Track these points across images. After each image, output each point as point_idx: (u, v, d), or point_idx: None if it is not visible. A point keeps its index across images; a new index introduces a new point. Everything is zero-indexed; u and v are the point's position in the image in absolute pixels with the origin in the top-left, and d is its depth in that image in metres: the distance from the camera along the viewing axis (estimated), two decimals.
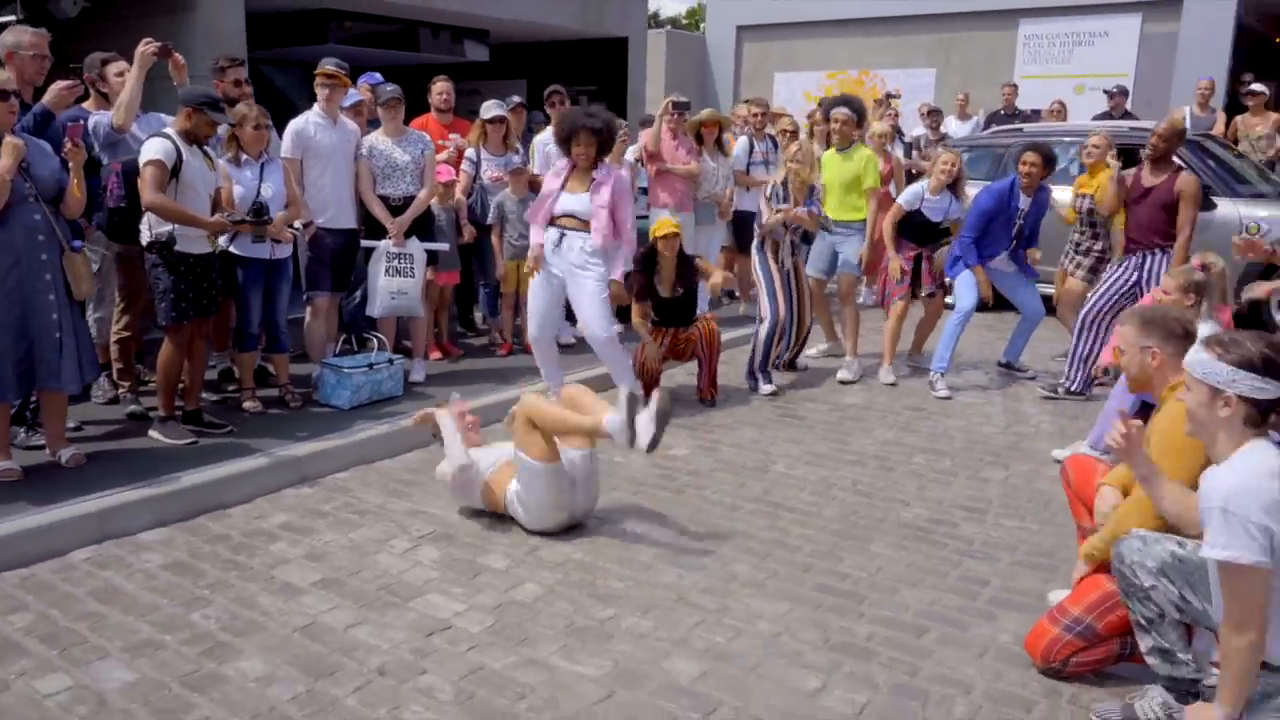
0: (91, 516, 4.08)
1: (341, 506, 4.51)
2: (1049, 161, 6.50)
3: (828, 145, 7.47)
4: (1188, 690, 2.74)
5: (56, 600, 3.57)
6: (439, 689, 3.02)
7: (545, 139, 7.16)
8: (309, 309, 5.95)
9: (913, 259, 6.81)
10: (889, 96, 10.29)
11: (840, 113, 7.02)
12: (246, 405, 5.49)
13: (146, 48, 4.99)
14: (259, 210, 5.10)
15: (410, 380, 6.08)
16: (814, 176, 6.56)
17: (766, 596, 3.64)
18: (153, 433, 4.98)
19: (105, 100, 5.35)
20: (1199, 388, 2.53)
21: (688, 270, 6.06)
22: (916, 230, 6.77)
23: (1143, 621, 2.71)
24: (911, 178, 9.04)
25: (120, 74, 5.28)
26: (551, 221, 5.55)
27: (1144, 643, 2.74)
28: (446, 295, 6.94)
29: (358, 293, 6.32)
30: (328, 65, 5.79)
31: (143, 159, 4.65)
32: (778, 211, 6.38)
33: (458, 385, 6.10)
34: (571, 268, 5.51)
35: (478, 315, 7.79)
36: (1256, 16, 12.58)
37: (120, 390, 5.40)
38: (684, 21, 26.91)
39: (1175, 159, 6.36)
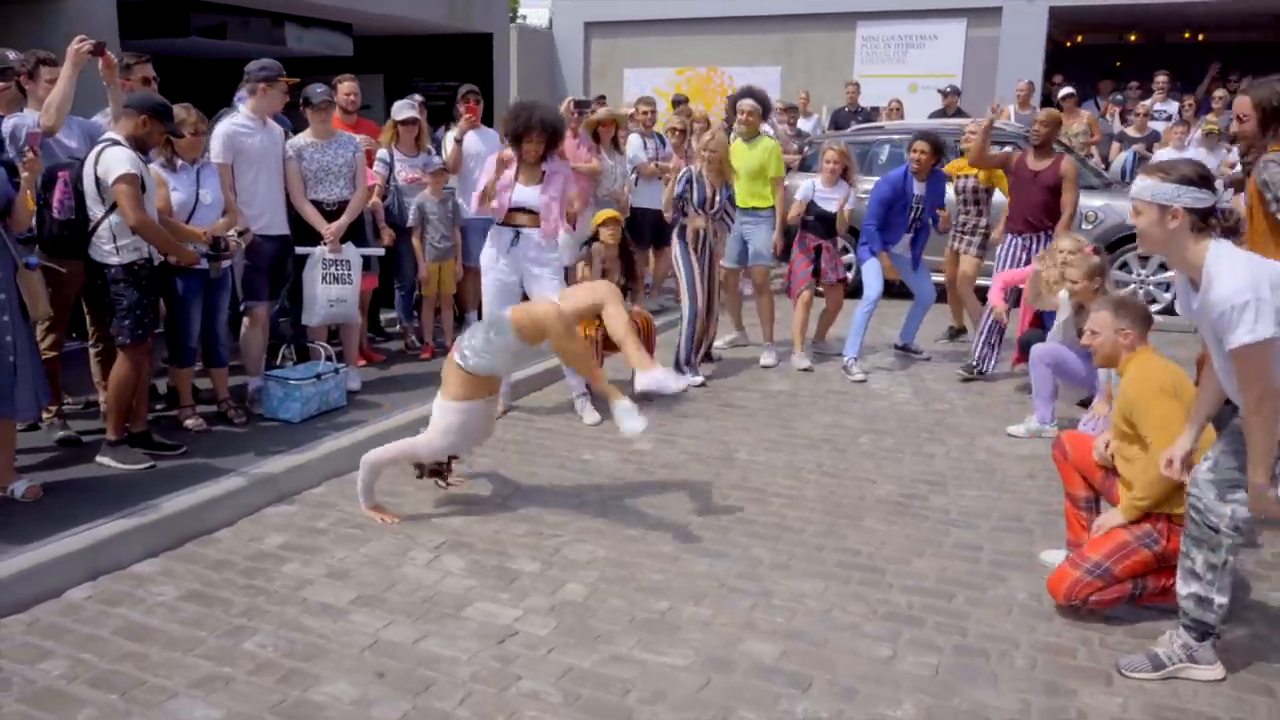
0: (83, 552, 3.82)
1: (336, 522, 4.40)
2: (937, 149, 7.06)
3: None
4: (1206, 632, 3.17)
5: (81, 643, 3.35)
6: (543, 692, 3.07)
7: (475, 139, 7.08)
8: (246, 319, 5.68)
9: (814, 250, 7.23)
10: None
11: (746, 104, 7.31)
12: (189, 423, 5.21)
13: (81, 45, 4.64)
14: (216, 244, 4.91)
15: (349, 389, 5.92)
16: (729, 169, 6.78)
17: (798, 576, 3.87)
18: (103, 458, 4.66)
19: (19, 100, 4.95)
20: (1149, 209, 2.93)
21: (629, 260, 6.21)
22: (815, 223, 7.19)
23: (1199, 570, 3.10)
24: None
25: (52, 79, 4.89)
26: (504, 221, 5.57)
27: (1186, 588, 3.15)
28: (366, 300, 6.77)
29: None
30: (269, 72, 5.53)
31: (111, 172, 4.32)
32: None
33: (398, 392, 6.02)
34: (529, 265, 5.55)
35: (383, 319, 7.62)
36: (1054, 22, 13.90)
37: (48, 415, 5.00)
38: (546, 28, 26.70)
39: (1055, 146, 7.04)
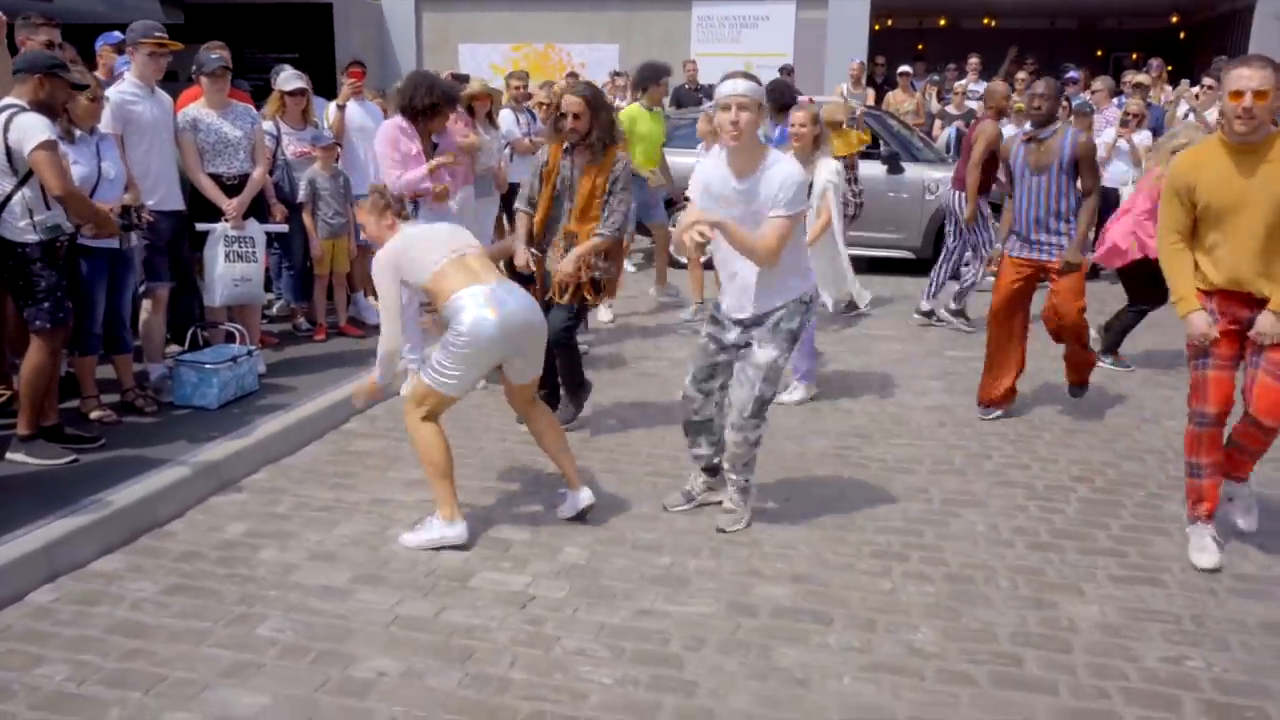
0: (38, 553, 3.53)
1: (296, 507, 4.23)
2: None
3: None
4: None
5: (73, 645, 3.12)
6: (589, 649, 3.13)
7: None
8: (148, 302, 5.30)
9: None
10: (615, 75, 10.86)
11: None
12: (95, 415, 4.85)
13: None
14: (125, 215, 4.60)
15: (258, 373, 5.64)
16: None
17: (780, 527, 4.07)
18: (17, 455, 4.28)
19: None
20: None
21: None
22: None
23: None
24: None
25: None
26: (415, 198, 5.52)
27: None
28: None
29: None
30: (156, 32, 5.17)
31: (27, 141, 3.94)
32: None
33: (310, 374, 5.79)
34: None
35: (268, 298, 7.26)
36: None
37: None
38: None
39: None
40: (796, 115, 5.27)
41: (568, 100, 4.81)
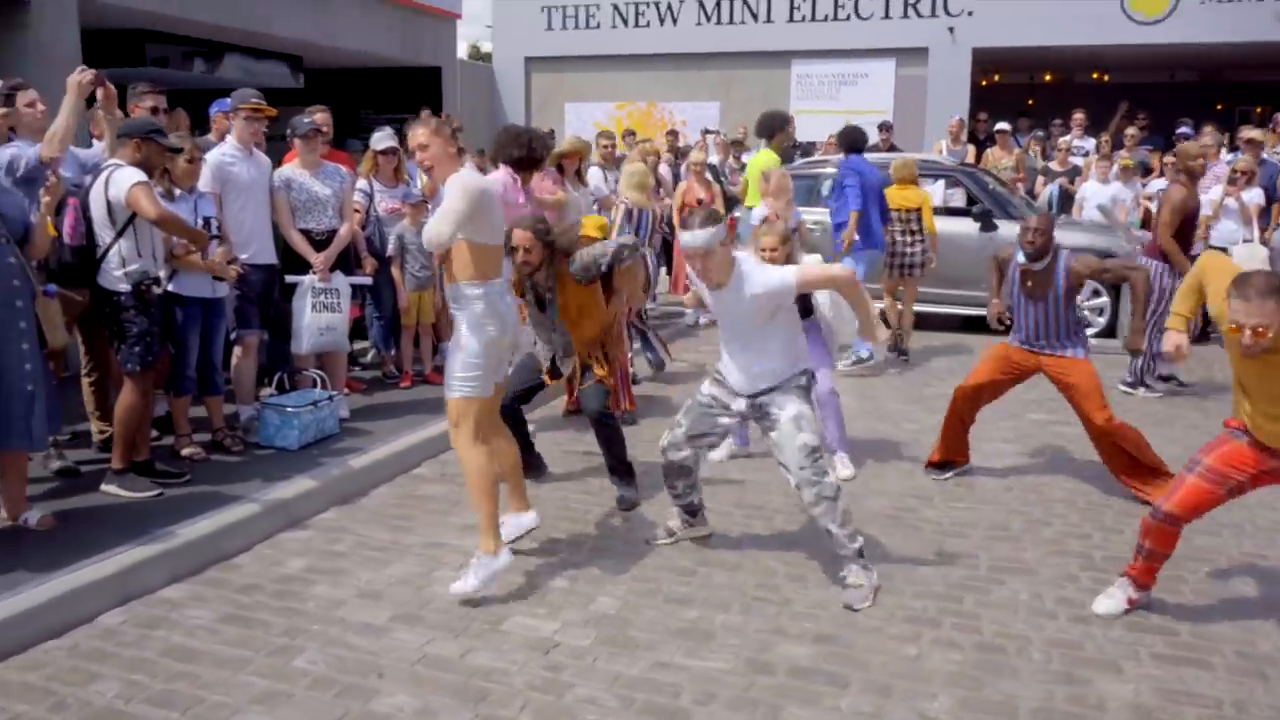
0: (112, 579, 3.83)
1: (355, 546, 4.45)
2: None
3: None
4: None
5: (129, 666, 3.37)
6: (599, 698, 3.21)
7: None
8: (239, 349, 5.68)
9: None
10: (705, 133, 11.07)
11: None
12: (186, 452, 5.20)
13: (82, 76, 4.66)
14: (206, 223, 5.00)
15: (339, 417, 5.95)
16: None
17: (815, 586, 4.07)
18: (110, 487, 4.64)
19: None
20: None
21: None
22: None
23: None
24: (729, 201, 9.97)
25: (30, 104, 4.89)
26: None
27: None
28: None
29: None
30: (252, 98, 5.60)
31: (124, 184, 4.34)
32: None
33: (390, 419, 6.07)
34: None
35: (355, 347, 7.64)
36: (973, 60, 14.65)
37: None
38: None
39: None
40: (765, 240, 5.29)
41: (517, 235, 4.64)
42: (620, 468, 5.00)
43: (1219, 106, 17.20)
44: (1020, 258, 5.17)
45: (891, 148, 12.61)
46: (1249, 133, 10.42)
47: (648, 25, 14.98)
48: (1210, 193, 9.38)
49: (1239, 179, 9.09)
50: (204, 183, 5.47)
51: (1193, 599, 4.01)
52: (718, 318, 4.16)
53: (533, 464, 5.26)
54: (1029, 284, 5.12)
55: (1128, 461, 5.10)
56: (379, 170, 6.98)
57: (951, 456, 5.51)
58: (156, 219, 4.37)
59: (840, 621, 3.76)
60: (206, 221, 4.98)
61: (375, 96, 11.60)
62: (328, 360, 6.21)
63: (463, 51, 22.11)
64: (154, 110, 5.43)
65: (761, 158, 8.44)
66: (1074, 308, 5.13)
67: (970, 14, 13.71)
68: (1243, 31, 13.15)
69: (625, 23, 15.09)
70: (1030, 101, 16.69)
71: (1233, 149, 10.62)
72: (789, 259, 5.48)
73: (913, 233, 8.23)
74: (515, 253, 4.70)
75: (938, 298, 9.59)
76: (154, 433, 5.46)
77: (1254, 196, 9.09)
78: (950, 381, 7.66)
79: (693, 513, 4.50)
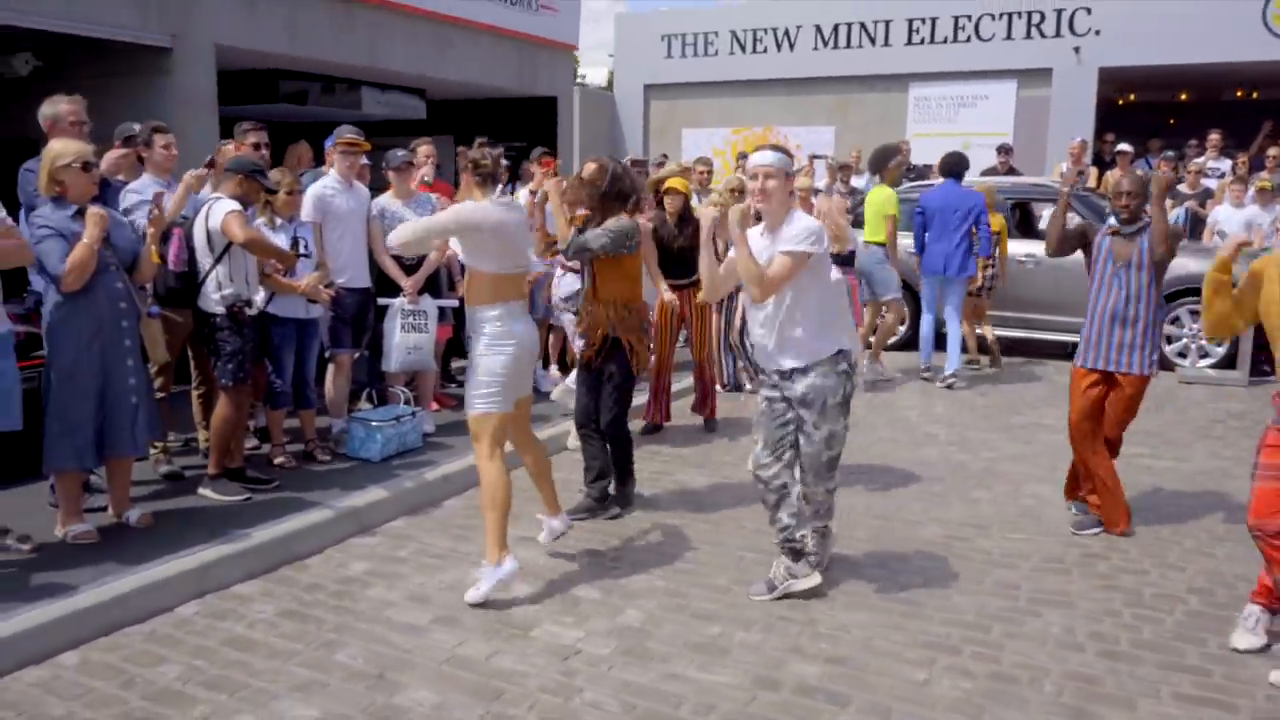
0: (192, 573, 4.24)
1: (416, 552, 4.77)
2: None
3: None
4: (798, 552, 4.22)
5: (193, 651, 3.74)
6: (604, 703, 3.38)
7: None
8: (332, 366, 6.14)
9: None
10: (814, 158, 11.13)
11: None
12: (279, 460, 5.65)
13: (195, 175, 5.17)
14: (295, 243, 5.42)
15: (424, 432, 6.33)
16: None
17: (843, 609, 4.13)
18: (205, 490, 5.11)
19: (137, 167, 5.50)
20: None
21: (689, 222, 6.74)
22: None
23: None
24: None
25: (166, 145, 5.43)
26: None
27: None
28: (440, 349, 7.21)
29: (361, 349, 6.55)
30: (348, 134, 6.07)
31: (220, 213, 4.83)
32: None
33: (467, 435, 6.38)
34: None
35: (453, 366, 8.06)
36: (1103, 80, 14.13)
37: (154, 451, 5.47)
38: (604, 89, 27.89)
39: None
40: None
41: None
42: (624, 474, 5.31)
43: None
44: (1112, 221, 5.04)
45: (1010, 170, 12.32)
46: None
47: (765, 51, 15.14)
48: None
49: None
50: (305, 212, 5.96)
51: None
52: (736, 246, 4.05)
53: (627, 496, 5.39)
54: (1119, 251, 4.91)
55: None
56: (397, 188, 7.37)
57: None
58: (245, 241, 4.83)
59: (859, 645, 3.81)
60: (295, 243, 5.41)
61: (495, 125, 12.13)
62: (418, 378, 6.62)
63: (601, 77, 22.81)
64: (256, 146, 5.95)
65: (876, 194, 8.53)
66: (1156, 287, 4.91)
67: (1097, 33, 13.27)
68: None
69: (743, 49, 15.28)
70: (1172, 122, 15.93)
71: None
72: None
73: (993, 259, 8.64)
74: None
75: (1043, 324, 9.35)
76: (254, 442, 5.99)
77: None
78: (1042, 410, 7.52)
79: (796, 555, 4.20)
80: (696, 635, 3.89)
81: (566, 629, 3.94)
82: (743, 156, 12.56)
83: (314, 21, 8.84)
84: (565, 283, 7.16)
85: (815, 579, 4.20)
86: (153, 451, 5.47)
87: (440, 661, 3.67)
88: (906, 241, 8.79)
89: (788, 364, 4.08)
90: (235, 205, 4.87)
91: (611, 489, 5.31)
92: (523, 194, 7.90)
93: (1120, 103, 16.16)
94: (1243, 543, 4.86)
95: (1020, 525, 5.18)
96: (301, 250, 5.42)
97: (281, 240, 5.44)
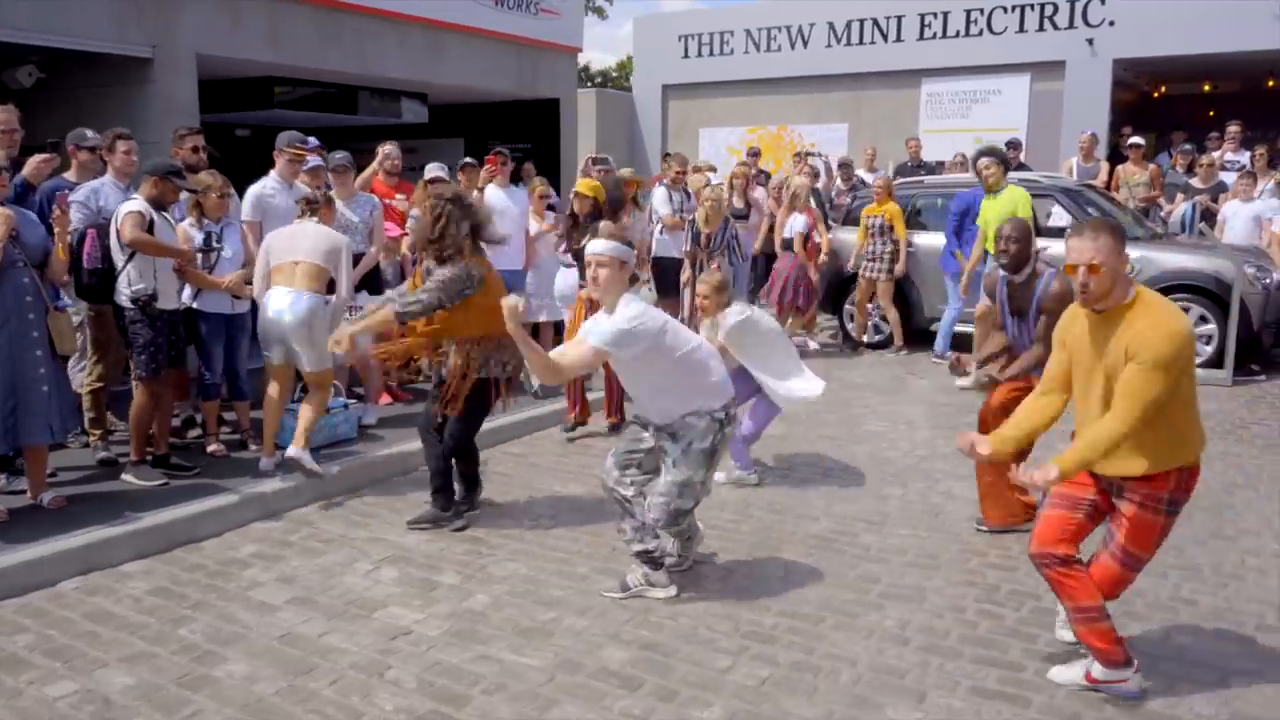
0: (77, 551, 4.50)
1: (307, 537, 4.97)
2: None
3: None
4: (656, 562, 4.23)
5: (53, 623, 3.98)
6: (404, 680, 3.51)
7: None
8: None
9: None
10: (806, 154, 11.09)
11: (983, 162, 8.13)
12: (211, 449, 5.92)
13: (44, 159, 5.50)
14: (208, 239, 5.63)
15: (363, 424, 6.54)
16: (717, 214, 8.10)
17: (684, 599, 4.19)
18: (125, 476, 5.39)
19: (92, 169, 5.82)
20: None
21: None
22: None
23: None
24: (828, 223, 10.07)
25: (128, 151, 5.73)
26: None
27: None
28: None
29: None
30: (297, 143, 6.33)
31: (120, 213, 5.11)
32: None
33: (408, 428, 6.59)
34: None
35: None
36: (1135, 74, 13.74)
37: (92, 438, 5.79)
38: (614, 74, 27.95)
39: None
40: (700, 288, 5.40)
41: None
42: (470, 481, 5.22)
43: None
44: (1000, 270, 4.99)
45: (1020, 166, 12.09)
46: None
47: (779, 49, 15.09)
48: None
49: None
50: (245, 213, 6.24)
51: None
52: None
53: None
54: (1013, 299, 4.93)
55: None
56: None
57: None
58: (129, 241, 5.09)
59: (679, 632, 3.87)
60: (208, 239, 5.65)
61: (502, 128, 12.38)
62: (365, 372, 6.84)
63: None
64: (195, 149, 6.24)
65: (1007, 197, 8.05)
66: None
67: (1111, 24, 12.91)
68: None
69: (758, 47, 15.26)
70: (1211, 114, 15.39)
71: None
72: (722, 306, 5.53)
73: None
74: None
75: None
76: (197, 431, 6.27)
77: None
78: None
79: (655, 565, 4.21)
80: (529, 620, 4.00)
81: (411, 611, 4.09)
82: (751, 153, 12.60)
83: (299, 30, 9.16)
84: (564, 278, 7.26)
85: (671, 591, 4.17)
86: (91, 438, 5.80)
87: (273, 638, 3.84)
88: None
89: (655, 421, 4.19)
90: (138, 206, 5.13)
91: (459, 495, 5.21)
92: (473, 194, 8.10)
93: (1155, 95, 15.67)
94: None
95: (916, 522, 5.15)
96: (213, 246, 5.66)
97: (202, 239, 5.71)
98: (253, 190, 6.31)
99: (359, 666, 3.61)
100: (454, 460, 5.14)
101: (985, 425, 4.77)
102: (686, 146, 15.14)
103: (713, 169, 11.95)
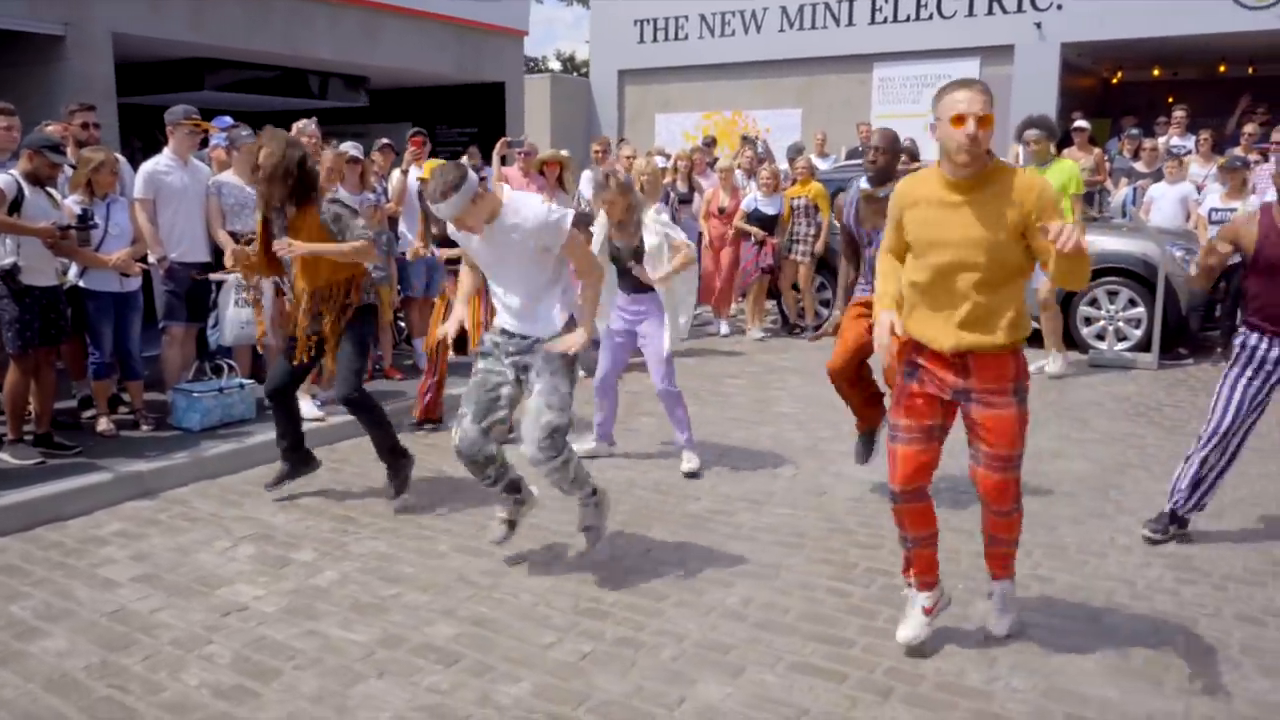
0: None
1: (176, 515, 4.91)
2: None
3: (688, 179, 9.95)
4: None
5: None
6: (219, 655, 3.46)
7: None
8: (165, 338, 6.34)
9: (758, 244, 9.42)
10: (745, 139, 11.04)
11: (1031, 134, 7.67)
12: (101, 428, 5.85)
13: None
14: (83, 216, 5.51)
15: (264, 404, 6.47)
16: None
17: (530, 574, 4.14)
18: (1, 454, 5.32)
19: None
20: None
21: None
22: (760, 221, 9.44)
23: None
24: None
25: (9, 127, 5.65)
26: None
27: None
28: None
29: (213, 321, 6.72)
30: (194, 116, 6.25)
31: None
32: None
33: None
34: None
35: None
36: (1091, 59, 13.69)
37: None
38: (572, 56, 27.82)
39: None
40: (604, 194, 5.30)
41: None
42: (388, 454, 5.02)
43: None
44: (863, 182, 4.88)
45: None
46: None
47: (733, 34, 15.00)
48: (1266, 194, 8.44)
49: None
50: (137, 190, 6.16)
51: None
52: (482, 260, 4.11)
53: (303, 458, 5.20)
54: (868, 218, 4.73)
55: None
56: (344, 178, 7.51)
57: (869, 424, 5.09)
58: None
59: (513, 609, 3.82)
60: (84, 217, 5.55)
61: (444, 112, 12.29)
62: (269, 352, 6.77)
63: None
64: (85, 125, 6.16)
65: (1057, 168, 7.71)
66: None
67: (1059, 7, 12.85)
68: None
69: (712, 32, 15.17)
70: (1170, 99, 15.35)
71: None
72: (630, 210, 5.44)
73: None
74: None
75: None
76: (91, 411, 6.20)
77: None
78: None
79: (516, 489, 4.31)
80: (370, 596, 3.95)
81: (254, 588, 4.03)
82: (706, 142, 12.53)
83: (224, 12, 9.06)
84: None
85: (535, 498, 4.39)
86: None
87: (103, 615, 3.79)
88: None
89: (524, 331, 4.10)
90: (1, 183, 5.06)
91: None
92: (395, 174, 8.03)
93: (1113, 81, 15.61)
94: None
95: (798, 502, 5.11)
96: (91, 224, 5.57)
97: (97, 215, 5.63)
98: (145, 167, 6.23)
99: (179, 643, 3.56)
100: (360, 417, 4.95)
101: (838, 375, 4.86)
102: (643, 132, 15.09)
103: (665, 155, 11.91)
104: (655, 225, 5.50)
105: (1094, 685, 3.25)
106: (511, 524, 4.33)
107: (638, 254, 5.45)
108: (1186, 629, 3.63)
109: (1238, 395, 4.27)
